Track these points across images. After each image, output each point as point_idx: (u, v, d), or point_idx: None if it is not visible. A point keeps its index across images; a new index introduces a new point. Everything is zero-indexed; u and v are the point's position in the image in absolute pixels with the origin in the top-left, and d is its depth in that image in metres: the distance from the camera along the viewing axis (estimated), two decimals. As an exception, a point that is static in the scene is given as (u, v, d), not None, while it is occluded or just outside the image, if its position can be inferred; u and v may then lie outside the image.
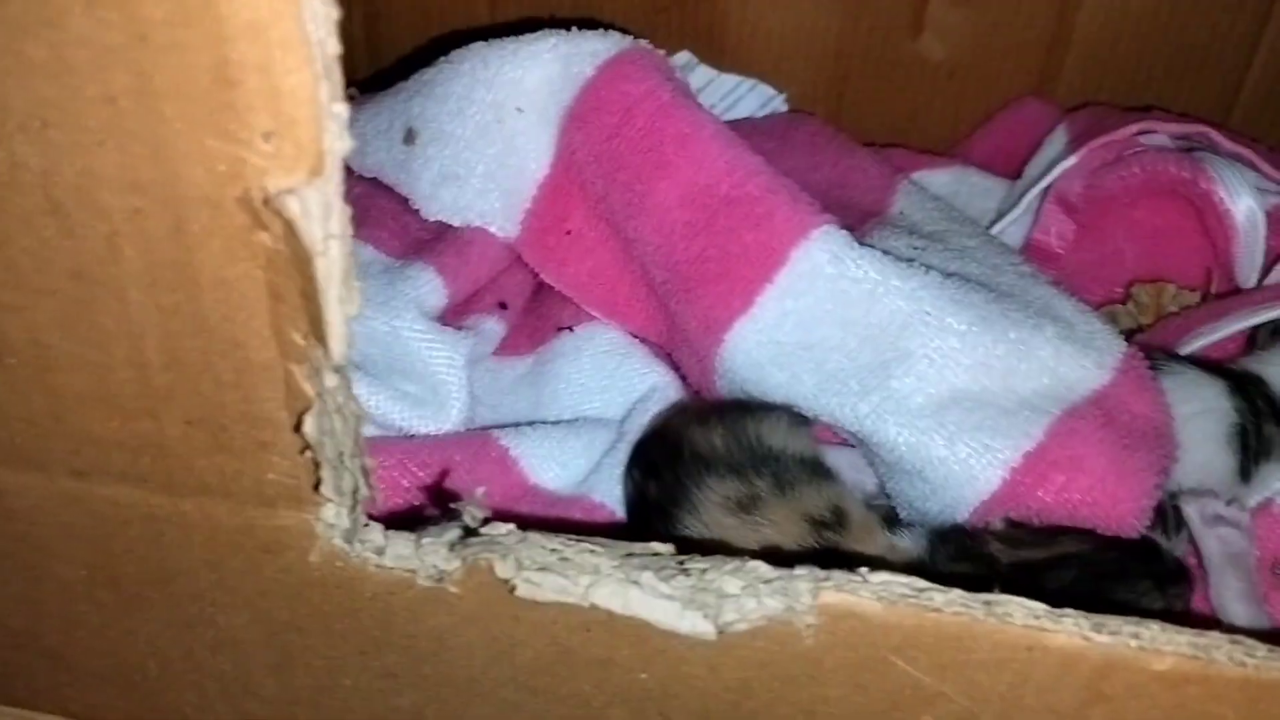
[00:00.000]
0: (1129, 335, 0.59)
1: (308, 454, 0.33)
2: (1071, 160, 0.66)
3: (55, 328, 0.32)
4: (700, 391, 0.60)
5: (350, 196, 0.68)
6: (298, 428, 0.32)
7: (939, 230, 0.62)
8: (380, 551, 0.35)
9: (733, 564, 0.33)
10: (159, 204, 0.29)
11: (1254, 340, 0.61)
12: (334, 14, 0.26)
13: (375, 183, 0.62)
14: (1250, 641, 0.32)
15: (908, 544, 0.51)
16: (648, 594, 0.33)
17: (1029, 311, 0.54)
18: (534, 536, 0.34)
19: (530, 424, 0.56)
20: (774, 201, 0.54)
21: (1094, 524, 0.49)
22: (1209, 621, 0.33)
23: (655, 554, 0.34)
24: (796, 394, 0.54)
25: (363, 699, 0.40)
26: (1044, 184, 0.68)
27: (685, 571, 0.33)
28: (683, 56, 0.80)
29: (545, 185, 0.59)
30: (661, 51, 0.60)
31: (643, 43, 0.59)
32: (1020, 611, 0.32)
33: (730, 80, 0.81)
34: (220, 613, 0.38)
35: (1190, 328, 0.60)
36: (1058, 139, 0.71)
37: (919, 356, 0.52)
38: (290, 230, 0.28)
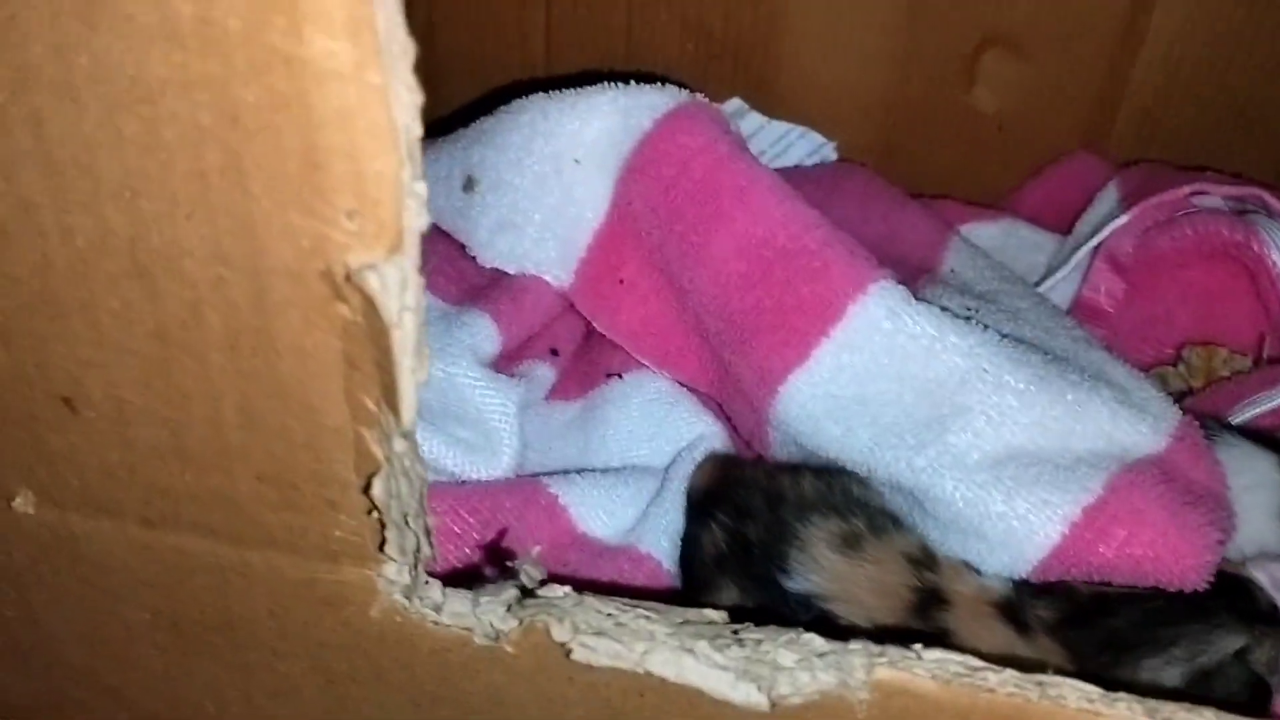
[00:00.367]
0: (1179, 398, 0.58)
1: (374, 514, 0.33)
2: (1123, 219, 0.66)
3: (135, 385, 0.33)
4: (751, 442, 0.60)
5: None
6: (366, 489, 0.33)
7: (991, 290, 0.62)
8: (438, 609, 0.35)
9: (787, 635, 0.34)
10: (243, 274, 0.30)
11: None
12: (418, 100, 0.27)
13: (433, 228, 0.63)
14: (1305, 733, 0.32)
15: (995, 584, 0.51)
16: (702, 663, 0.33)
17: (1083, 375, 0.54)
18: (590, 600, 0.35)
19: (579, 471, 0.57)
20: (831, 255, 0.55)
21: (1157, 579, 0.48)
22: (1259, 709, 0.33)
23: (710, 622, 0.35)
24: (851, 447, 0.54)
25: (414, 749, 0.41)
26: (1094, 242, 0.68)
27: (740, 642, 0.34)
28: (734, 103, 0.81)
29: (601, 235, 0.60)
30: (717, 105, 0.61)
31: (700, 97, 0.60)
32: (1074, 694, 0.32)
33: (780, 127, 0.82)
34: (280, 661, 0.39)
35: (1243, 395, 0.59)
36: (1109, 196, 0.71)
37: (976, 413, 0.52)
38: (369, 303, 0.29)
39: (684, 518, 0.56)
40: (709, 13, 0.79)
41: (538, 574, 0.36)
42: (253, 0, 0.26)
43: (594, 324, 0.62)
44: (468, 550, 0.51)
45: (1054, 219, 0.75)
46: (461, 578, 0.36)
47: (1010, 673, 0.32)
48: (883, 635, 0.34)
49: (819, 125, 0.81)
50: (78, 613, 0.41)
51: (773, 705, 0.33)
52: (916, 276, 0.63)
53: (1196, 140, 0.76)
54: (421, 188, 0.28)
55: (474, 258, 0.62)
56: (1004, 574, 0.51)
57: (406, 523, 0.34)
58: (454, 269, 0.62)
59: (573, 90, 0.61)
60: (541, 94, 0.61)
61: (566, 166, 0.60)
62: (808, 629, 0.34)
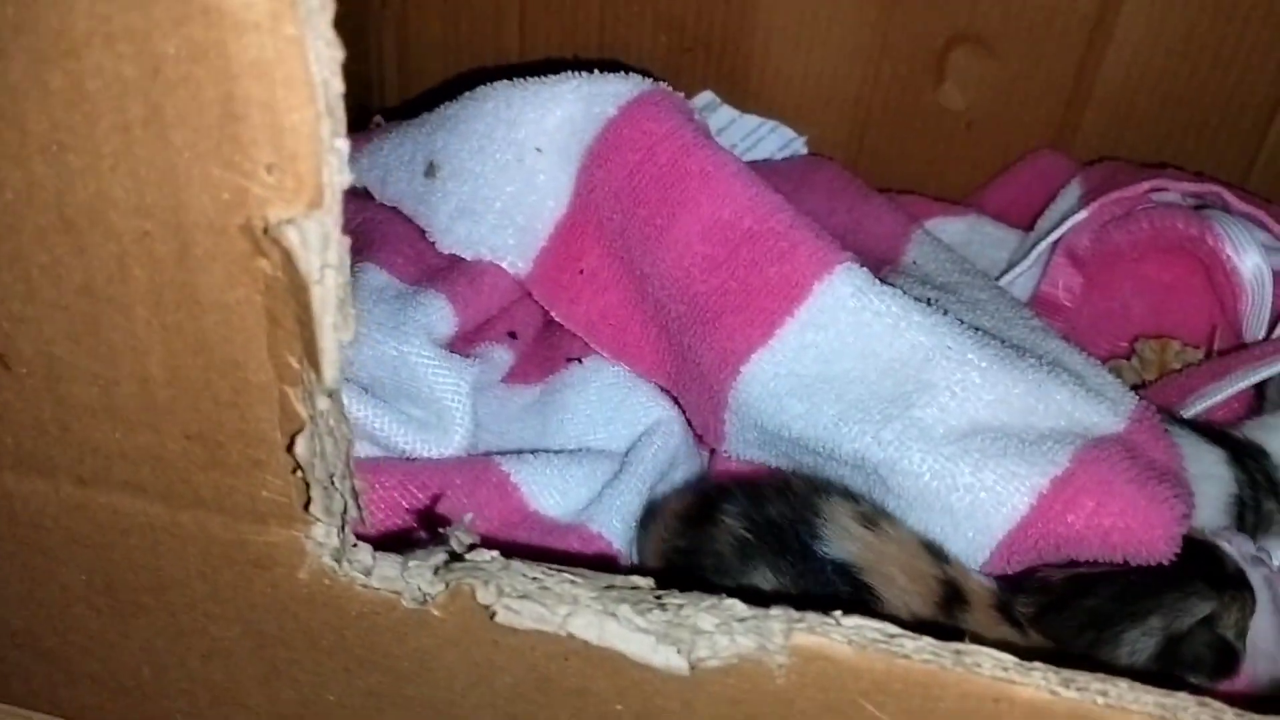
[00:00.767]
0: (1133, 390, 0.59)
1: (299, 474, 0.34)
2: (1082, 215, 0.67)
3: (65, 341, 0.34)
4: (704, 435, 0.60)
5: (370, 221, 0.69)
6: (290, 448, 0.33)
7: (951, 282, 0.62)
8: (367, 572, 0.36)
9: (709, 601, 0.34)
10: (166, 228, 0.30)
11: (1262, 395, 0.61)
12: (338, 55, 0.27)
13: (396, 209, 0.64)
14: (1218, 705, 0.32)
15: (988, 582, 0.51)
16: (623, 626, 0.34)
17: (1041, 362, 0.54)
18: (516, 564, 0.35)
19: (533, 452, 0.57)
20: (798, 236, 0.55)
21: (1127, 551, 0.48)
22: (1177, 682, 0.33)
23: (634, 587, 0.35)
24: (816, 424, 0.54)
25: (347, 715, 0.41)
26: (1054, 237, 0.68)
27: (662, 606, 0.34)
28: (705, 97, 0.81)
29: (562, 224, 0.61)
30: (682, 94, 0.61)
31: (664, 85, 0.60)
32: (989, 662, 0.32)
33: (752, 121, 0.82)
34: (212, 623, 0.39)
35: (1193, 388, 0.60)
36: (1071, 193, 0.71)
37: (942, 388, 0.52)
38: (288, 259, 0.29)
39: (678, 532, 0.55)
40: (682, 6, 0.80)
41: (468, 539, 0.36)
42: (171, -50, 0.26)
43: (552, 313, 0.62)
44: (409, 528, 0.51)
45: (1019, 216, 0.76)
46: (393, 542, 0.37)
47: (927, 640, 0.33)
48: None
49: (790, 120, 0.82)
50: (14, 575, 0.41)
51: (692, 668, 0.33)
52: (879, 268, 0.63)
53: (1163, 139, 0.77)
54: (343, 144, 0.29)
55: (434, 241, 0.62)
56: (969, 551, 0.51)
57: (333, 483, 0.34)
58: (413, 250, 0.62)
59: (537, 79, 0.61)
60: (505, 81, 0.62)
61: (529, 155, 0.60)
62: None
